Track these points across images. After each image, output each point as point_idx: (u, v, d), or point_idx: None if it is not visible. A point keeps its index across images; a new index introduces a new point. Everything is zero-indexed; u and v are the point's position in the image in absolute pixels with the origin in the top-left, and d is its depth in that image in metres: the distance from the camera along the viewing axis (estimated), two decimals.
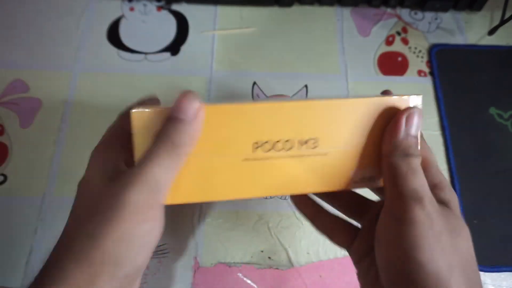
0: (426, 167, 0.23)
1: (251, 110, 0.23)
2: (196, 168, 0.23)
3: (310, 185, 0.24)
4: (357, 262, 0.26)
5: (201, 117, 0.21)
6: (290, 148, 0.23)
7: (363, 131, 0.23)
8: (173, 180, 0.21)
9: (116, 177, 0.21)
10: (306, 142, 0.23)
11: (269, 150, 0.23)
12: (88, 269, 0.19)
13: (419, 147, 0.22)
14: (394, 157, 0.22)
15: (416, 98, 0.23)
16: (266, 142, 0.23)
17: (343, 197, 0.29)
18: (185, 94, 0.21)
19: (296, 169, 0.24)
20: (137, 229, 0.20)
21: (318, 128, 0.23)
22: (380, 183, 0.24)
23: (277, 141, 0.23)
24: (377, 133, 0.23)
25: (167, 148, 0.20)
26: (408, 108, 0.23)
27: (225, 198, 0.24)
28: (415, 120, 0.22)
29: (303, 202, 0.29)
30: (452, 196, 0.22)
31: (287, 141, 0.23)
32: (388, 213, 0.22)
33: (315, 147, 0.23)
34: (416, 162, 0.22)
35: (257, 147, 0.23)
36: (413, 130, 0.22)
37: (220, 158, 0.23)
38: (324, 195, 0.29)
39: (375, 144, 0.23)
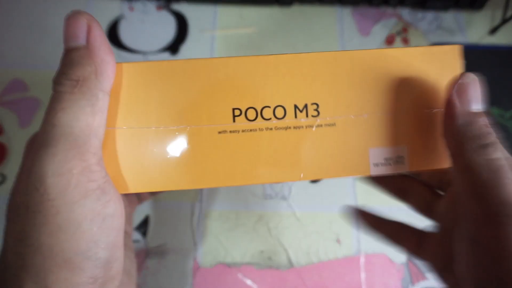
0: None
1: (226, 65, 0.17)
2: (156, 144, 0.18)
3: (311, 169, 0.18)
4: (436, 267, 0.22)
5: (98, 37, 0.17)
6: (282, 117, 0.18)
7: (384, 93, 0.18)
8: (99, 129, 0.16)
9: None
10: (304, 108, 0.18)
11: (254, 119, 0.18)
12: (35, 285, 0.15)
13: (491, 130, 0.16)
14: (465, 153, 0.16)
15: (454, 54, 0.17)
16: (250, 108, 0.18)
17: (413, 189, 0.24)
18: (66, 18, 0.17)
19: (291, 146, 0.18)
20: (72, 206, 0.15)
21: (318, 89, 0.18)
22: (411, 166, 0.18)
23: (265, 107, 0.18)
24: (405, 95, 0.18)
25: (66, 89, 0.16)
26: (456, 78, 0.17)
27: (198, 186, 0.18)
28: (472, 91, 0.16)
29: (362, 215, 0.26)
30: None
31: (278, 106, 0.18)
32: (466, 234, 0.17)
33: (316, 115, 0.18)
34: (499, 156, 0.15)
35: (237, 116, 0.18)
36: (475, 106, 0.16)
37: (188, 130, 0.18)
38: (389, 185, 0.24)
39: (402, 110, 0.18)
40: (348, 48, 0.45)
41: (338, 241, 0.37)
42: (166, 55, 0.44)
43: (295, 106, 0.18)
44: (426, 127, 0.18)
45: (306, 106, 0.18)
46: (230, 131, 0.18)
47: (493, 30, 0.45)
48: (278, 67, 0.18)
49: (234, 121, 0.18)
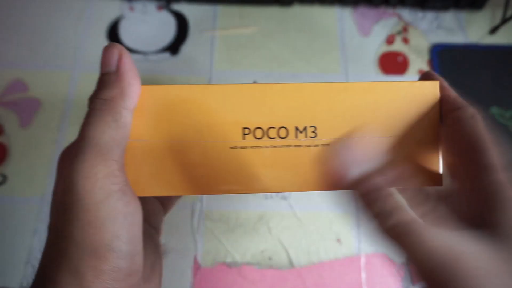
0: None
1: (239, 91, 0.21)
2: (176, 155, 0.21)
3: (308, 182, 0.21)
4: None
5: (126, 64, 0.20)
6: (285, 137, 0.21)
7: (373, 119, 0.21)
8: (122, 141, 0.19)
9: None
10: (304, 129, 0.21)
11: (261, 137, 0.21)
12: (69, 270, 0.18)
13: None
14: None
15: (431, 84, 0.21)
16: (258, 128, 0.21)
17: None
18: (103, 49, 0.20)
19: (291, 161, 0.21)
20: (98, 205, 0.18)
21: (316, 114, 0.21)
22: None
23: (270, 128, 0.21)
24: (391, 122, 0.21)
25: (96, 107, 0.19)
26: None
27: (210, 192, 0.21)
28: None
29: None
30: None
31: (281, 127, 0.21)
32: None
33: (314, 136, 0.21)
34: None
35: (246, 134, 0.21)
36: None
37: (203, 144, 0.21)
38: None
39: (389, 135, 0.21)
40: (348, 48, 0.45)
41: (338, 241, 0.37)
42: (166, 55, 0.44)
43: (296, 128, 0.21)
44: (408, 150, 0.21)
45: (305, 128, 0.21)
46: (240, 147, 0.21)
47: (493, 30, 0.45)
48: (283, 94, 0.21)
49: (244, 138, 0.21)
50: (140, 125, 0.21)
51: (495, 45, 0.45)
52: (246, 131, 0.21)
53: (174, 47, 0.44)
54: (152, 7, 0.46)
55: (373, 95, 0.21)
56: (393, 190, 0.20)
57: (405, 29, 0.46)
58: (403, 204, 0.19)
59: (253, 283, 0.35)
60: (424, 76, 0.23)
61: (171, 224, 0.37)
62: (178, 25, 0.45)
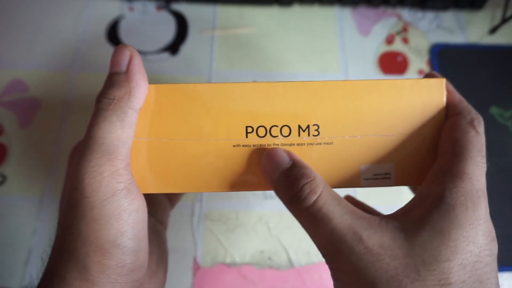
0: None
1: (242, 89, 0.21)
2: (180, 153, 0.21)
3: None
4: None
5: (136, 65, 0.21)
6: (288, 135, 0.21)
7: (376, 118, 0.21)
8: (127, 140, 0.20)
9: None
10: (307, 128, 0.21)
11: (264, 136, 0.21)
12: (76, 265, 0.18)
13: None
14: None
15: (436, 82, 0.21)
16: (261, 126, 0.21)
17: None
18: (114, 49, 0.21)
19: None
20: (103, 202, 0.19)
21: (320, 112, 0.21)
22: (397, 182, 0.22)
23: (273, 126, 0.21)
24: (395, 121, 0.21)
25: (103, 106, 0.20)
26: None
27: (213, 190, 0.21)
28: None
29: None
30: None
31: (284, 126, 0.21)
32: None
33: (317, 134, 0.21)
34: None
35: (250, 132, 0.21)
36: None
37: (207, 142, 0.21)
38: None
39: (391, 133, 0.21)
40: (348, 48, 0.45)
41: None
42: (166, 55, 0.44)
43: (299, 126, 0.21)
44: (411, 149, 0.21)
45: (308, 126, 0.21)
46: (243, 145, 0.21)
47: (493, 30, 0.45)
48: (286, 93, 0.21)
49: (247, 136, 0.21)
50: (145, 124, 0.21)
51: (495, 45, 0.45)
52: (249, 129, 0.21)
53: (173, 47, 0.44)
54: (152, 7, 0.46)
55: (377, 93, 0.21)
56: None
57: (404, 29, 0.46)
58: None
59: (253, 283, 0.35)
60: (428, 77, 0.23)
61: (171, 224, 0.37)
62: (178, 25, 0.45)
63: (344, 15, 0.46)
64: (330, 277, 0.20)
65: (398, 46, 0.45)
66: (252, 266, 0.36)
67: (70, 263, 0.19)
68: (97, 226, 0.18)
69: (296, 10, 0.46)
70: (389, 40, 0.45)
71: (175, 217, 0.37)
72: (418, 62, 0.44)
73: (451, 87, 0.22)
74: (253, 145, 0.21)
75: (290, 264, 0.36)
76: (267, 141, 0.21)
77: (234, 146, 0.21)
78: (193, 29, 0.45)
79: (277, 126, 0.21)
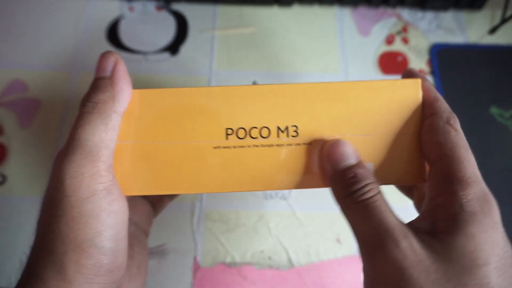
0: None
1: (222, 93, 0.21)
2: (162, 156, 0.21)
3: (289, 180, 0.22)
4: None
5: (121, 71, 0.21)
6: (267, 136, 0.21)
7: (354, 118, 0.21)
8: (110, 143, 0.20)
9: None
10: (285, 129, 0.21)
11: (244, 137, 0.21)
12: (54, 265, 0.18)
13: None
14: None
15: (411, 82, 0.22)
16: (241, 128, 0.21)
17: None
18: (100, 55, 0.21)
19: (273, 160, 0.21)
20: (83, 202, 0.19)
21: (298, 114, 0.21)
22: (378, 180, 0.22)
23: (253, 128, 0.21)
24: (372, 121, 0.21)
25: (87, 109, 0.20)
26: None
27: (193, 191, 0.22)
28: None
29: None
30: None
31: (263, 127, 0.21)
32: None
33: (295, 135, 0.21)
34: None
35: (230, 134, 0.21)
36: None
37: (188, 145, 0.21)
38: None
39: (370, 132, 0.22)
40: (348, 48, 0.45)
41: (338, 241, 0.37)
42: (166, 55, 0.44)
43: (278, 128, 0.21)
44: (391, 148, 0.22)
45: (287, 127, 0.21)
46: (224, 147, 0.21)
47: (493, 30, 0.45)
48: (266, 95, 0.21)
49: (227, 138, 0.21)
50: (129, 127, 0.22)
51: (495, 45, 0.45)
52: (229, 131, 0.21)
53: (173, 47, 0.44)
54: (152, 7, 0.46)
55: (354, 94, 0.21)
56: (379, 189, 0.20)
57: (404, 29, 0.46)
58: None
59: (253, 283, 0.35)
60: (406, 74, 0.23)
61: (171, 224, 0.37)
62: (178, 25, 0.45)
63: (344, 15, 0.46)
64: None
65: (398, 46, 0.45)
66: (252, 266, 0.36)
67: (48, 262, 0.19)
68: (76, 225, 0.19)
69: (296, 10, 0.46)
70: (389, 40, 0.45)
71: (175, 217, 0.37)
72: (418, 62, 0.44)
73: (428, 84, 0.22)
74: (233, 147, 0.21)
75: (290, 264, 0.36)
76: (247, 143, 0.21)
77: (214, 147, 0.21)
78: (193, 29, 0.45)
79: (256, 127, 0.21)
